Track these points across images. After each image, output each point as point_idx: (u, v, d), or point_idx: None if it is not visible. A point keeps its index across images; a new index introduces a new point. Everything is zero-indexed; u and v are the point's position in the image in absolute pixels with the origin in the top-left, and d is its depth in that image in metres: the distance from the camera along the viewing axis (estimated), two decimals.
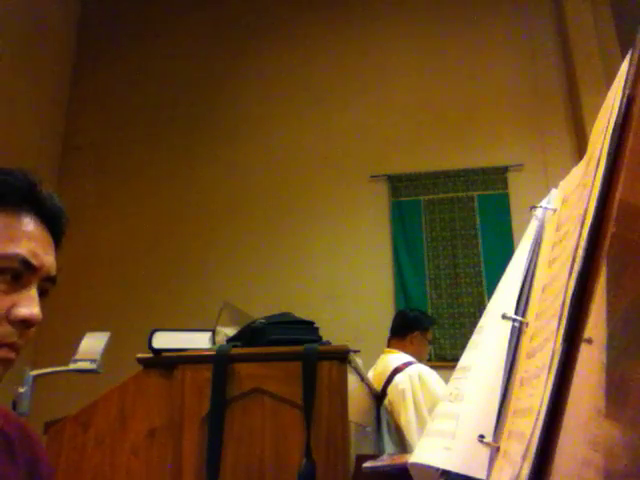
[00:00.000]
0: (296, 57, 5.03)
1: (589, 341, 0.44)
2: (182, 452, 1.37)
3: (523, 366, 0.64)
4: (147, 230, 4.72)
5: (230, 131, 4.90)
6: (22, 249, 0.64)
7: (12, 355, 0.64)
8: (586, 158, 0.65)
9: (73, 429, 1.45)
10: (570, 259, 0.55)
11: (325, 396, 1.35)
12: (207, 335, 1.60)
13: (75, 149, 5.07)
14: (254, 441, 1.36)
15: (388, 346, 2.69)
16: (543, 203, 0.79)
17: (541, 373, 0.53)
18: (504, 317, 0.71)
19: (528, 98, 4.53)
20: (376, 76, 4.83)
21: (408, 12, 4.95)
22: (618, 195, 0.47)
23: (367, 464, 1.16)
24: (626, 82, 0.53)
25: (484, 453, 0.63)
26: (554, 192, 0.79)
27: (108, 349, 1.77)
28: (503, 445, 0.61)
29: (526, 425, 0.53)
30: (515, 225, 4.15)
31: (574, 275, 0.52)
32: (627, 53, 0.55)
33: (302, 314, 1.59)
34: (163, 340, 1.48)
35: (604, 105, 0.61)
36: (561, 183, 0.79)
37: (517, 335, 0.70)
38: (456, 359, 0.78)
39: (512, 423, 0.61)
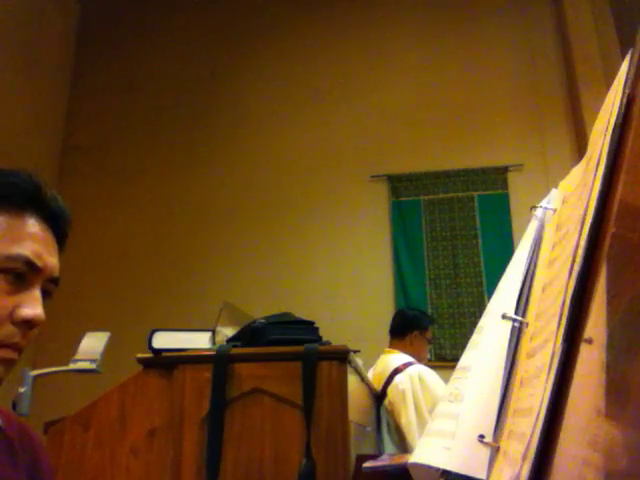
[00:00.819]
0: (296, 57, 5.03)
1: (589, 341, 0.44)
2: (182, 452, 1.37)
3: (523, 366, 0.64)
4: (147, 230, 4.72)
5: (230, 131, 4.90)
6: (26, 250, 0.64)
7: (14, 355, 0.64)
8: (586, 158, 0.65)
9: (73, 429, 1.45)
10: (570, 259, 0.55)
11: (325, 396, 1.35)
12: (207, 335, 1.60)
13: (75, 149, 5.07)
14: (254, 441, 1.36)
15: (388, 346, 2.69)
16: (543, 203, 0.79)
17: (541, 373, 0.53)
18: (504, 317, 0.71)
19: (528, 98, 4.53)
20: (376, 76, 4.83)
21: (408, 12, 4.95)
22: (618, 195, 0.47)
23: (367, 464, 1.16)
24: (626, 82, 0.53)
25: (484, 453, 0.63)
26: (554, 192, 0.79)
27: (108, 349, 1.76)
28: (503, 445, 0.61)
29: (526, 425, 0.53)
30: (515, 225, 4.15)
31: (574, 275, 0.52)
32: (627, 53, 0.55)
33: (302, 314, 1.59)
34: (163, 340, 1.48)
35: (604, 105, 0.61)
36: (561, 183, 0.79)
37: (517, 335, 0.70)
38: (456, 359, 0.78)
39: (512, 423, 0.61)
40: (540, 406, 0.50)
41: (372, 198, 4.54)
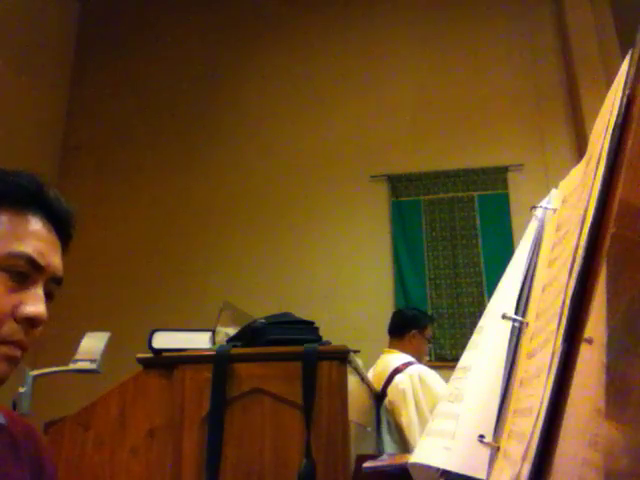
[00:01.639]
0: (296, 57, 5.03)
1: (589, 341, 0.44)
2: (182, 452, 1.37)
3: (523, 366, 0.64)
4: (147, 230, 4.72)
5: (230, 131, 4.90)
6: (28, 248, 0.64)
7: (18, 353, 0.64)
8: (586, 158, 0.65)
9: (73, 429, 1.45)
10: (570, 259, 0.55)
11: (325, 396, 1.35)
12: (207, 335, 1.60)
13: (75, 149, 5.07)
14: (254, 441, 1.36)
15: (388, 346, 2.69)
16: (543, 203, 0.79)
17: (541, 373, 0.53)
18: (504, 317, 0.71)
19: (528, 98, 4.53)
20: (376, 76, 4.83)
21: (408, 12, 4.95)
22: (618, 195, 0.47)
23: (367, 464, 1.16)
24: (626, 82, 0.53)
25: (484, 453, 0.63)
26: (554, 192, 0.79)
27: (108, 349, 1.76)
28: (503, 445, 0.61)
29: (526, 425, 0.53)
30: (515, 225, 4.15)
31: (574, 275, 0.52)
32: (627, 53, 0.55)
33: (302, 314, 1.59)
34: (163, 340, 1.48)
35: (604, 105, 0.61)
36: (561, 183, 0.79)
37: (517, 335, 0.70)
38: (456, 359, 0.78)
39: (512, 423, 0.61)
40: (540, 406, 0.50)
41: (372, 198, 4.54)
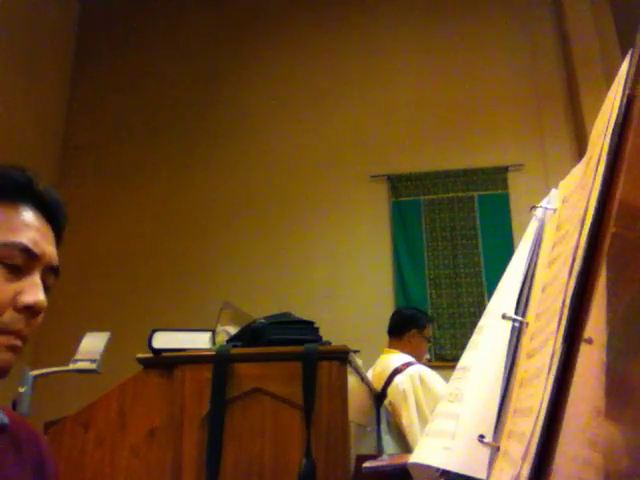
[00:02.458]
0: (296, 57, 5.03)
1: (589, 341, 0.44)
2: (182, 452, 1.37)
3: (523, 366, 0.64)
4: (147, 230, 4.72)
5: (230, 131, 4.90)
6: (22, 238, 0.66)
7: (18, 342, 0.65)
8: (586, 158, 0.65)
9: (73, 429, 1.45)
10: (570, 259, 0.55)
11: (325, 396, 1.35)
12: (207, 335, 1.60)
13: (75, 149, 5.07)
14: (254, 441, 1.36)
15: (387, 346, 2.69)
16: (543, 203, 0.79)
17: (541, 373, 0.53)
18: (504, 317, 0.71)
19: (528, 98, 4.53)
20: (376, 76, 4.83)
21: (408, 12, 4.95)
22: (618, 195, 0.47)
23: (367, 464, 1.16)
24: (626, 82, 0.53)
25: (484, 453, 0.63)
26: (554, 192, 0.79)
27: (108, 349, 1.76)
28: (503, 445, 0.61)
29: (526, 425, 0.53)
30: (515, 225, 4.14)
31: (574, 275, 0.52)
32: (627, 53, 0.55)
33: (302, 314, 1.59)
34: (163, 340, 1.48)
35: (604, 105, 0.61)
36: (561, 183, 0.79)
37: (517, 335, 0.70)
38: (456, 359, 0.78)
39: (512, 423, 0.61)
40: (540, 406, 0.50)
41: (372, 198, 4.54)
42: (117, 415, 1.44)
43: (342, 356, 1.40)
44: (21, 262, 0.65)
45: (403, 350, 2.60)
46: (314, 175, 4.65)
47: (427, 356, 2.80)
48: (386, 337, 2.75)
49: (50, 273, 0.70)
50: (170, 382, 1.44)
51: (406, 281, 4.26)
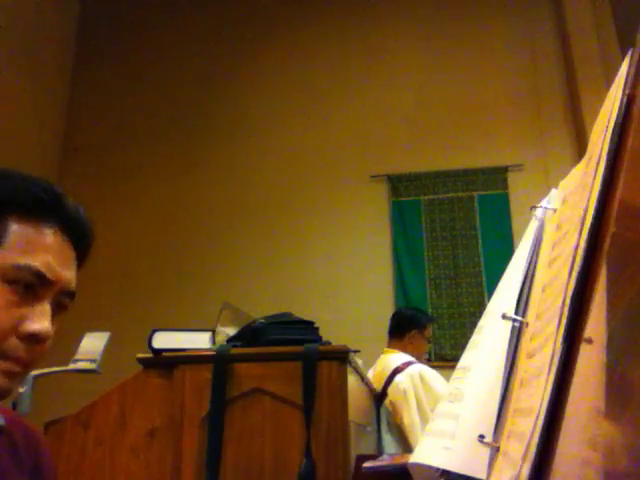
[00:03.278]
0: (296, 57, 5.03)
1: (589, 341, 0.44)
2: (182, 452, 1.37)
3: (523, 366, 0.64)
4: (147, 230, 4.72)
5: (230, 131, 4.90)
6: (36, 261, 0.62)
7: (17, 369, 0.62)
8: (586, 158, 0.65)
9: (73, 429, 1.45)
10: (570, 259, 0.55)
11: (325, 396, 1.35)
12: (207, 335, 1.60)
13: (75, 149, 5.07)
14: (254, 441, 1.36)
15: (388, 346, 2.69)
16: (543, 203, 0.79)
17: (541, 373, 0.53)
18: (504, 317, 0.71)
19: (528, 98, 4.53)
20: (376, 76, 4.83)
21: (408, 12, 4.95)
22: (618, 195, 0.47)
23: (367, 464, 1.16)
24: (626, 82, 0.53)
25: (484, 453, 0.63)
26: (554, 192, 0.79)
27: (108, 349, 1.76)
28: (503, 445, 0.61)
29: (526, 425, 0.53)
30: (515, 225, 4.15)
31: (574, 275, 0.52)
32: (627, 53, 0.55)
33: (302, 314, 1.59)
34: (163, 340, 1.48)
35: (604, 105, 0.61)
36: (561, 183, 0.79)
37: (517, 335, 0.70)
38: (456, 359, 0.78)
39: (512, 423, 0.61)
40: (540, 406, 0.50)
41: (372, 198, 4.54)
42: (117, 415, 1.44)
43: (342, 356, 1.40)
44: (32, 285, 0.61)
45: (403, 350, 2.60)
46: (314, 175, 4.65)
47: (425, 355, 2.80)
48: (386, 337, 2.75)
49: (65, 297, 0.66)
50: (170, 382, 1.44)
51: (406, 281, 4.26)
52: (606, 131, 0.54)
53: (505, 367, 0.68)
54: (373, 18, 4.99)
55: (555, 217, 0.75)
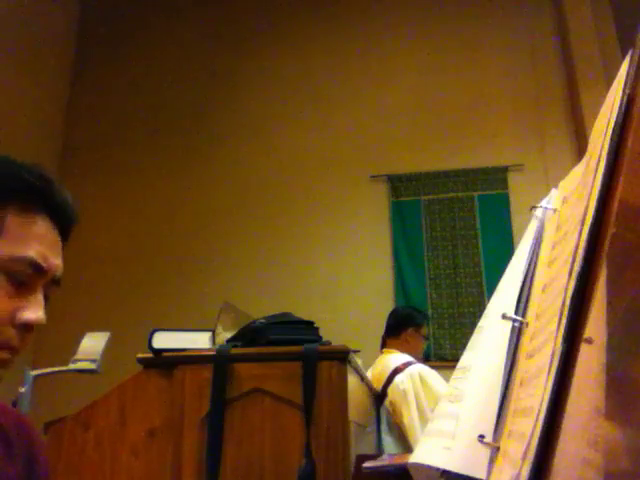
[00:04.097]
0: (296, 57, 5.03)
1: (589, 341, 0.44)
2: (182, 452, 1.37)
3: (523, 366, 0.64)
4: (147, 230, 4.72)
5: (230, 131, 4.90)
6: (32, 252, 0.62)
7: (9, 356, 0.62)
8: (586, 158, 0.65)
9: (73, 429, 1.45)
10: (570, 259, 0.55)
11: (325, 396, 1.35)
12: (207, 335, 1.60)
13: (75, 149, 5.07)
14: (254, 441, 1.36)
15: (385, 346, 2.69)
16: (543, 203, 0.79)
17: (541, 373, 0.53)
18: (504, 317, 0.71)
19: (528, 98, 4.53)
20: (376, 76, 4.83)
21: (408, 12, 4.95)
22: (618, 195, 0.47)
23: (367, 464, 1.16)
24: (626, 82, 0.53)
25: (484, 453, 0.63)
26: (554, 192, 0.79)
27: (108, 349, 1.76)
28: (503, 445, 0.61)
29: (526, 425, 0.53)
30: (515, 225, 4.14)
31: (574, 275, 0.52)
32: (627, 53, 0.55)
33: (302, 314, 1.59)
34: (163, 340, 1.48)
35: (604, 105, 0.61)
36: (561, 183, 0.79)
37: (517, 335, 0.70)
38: (456, 359, 0.78)
39: (512, 423, 0.61)
40: (540, 406, 0.50)
41: (372, 198, 4.53)
42: (117, 415, 1.44)
43: (342, 356, 1.40)
44: (27, 277, 0.62)
45: (401, 349, 2.60)
46: (314, 175, 4.65)
47: (421, 354, 2.80)
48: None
49: (52, 284, 0.67)
50: (170, 382, 1.44)
51: (406, 281, 4.26)
52: (606, 131, 0.54)
53: (505, 367, 0.68)
54: (373, 18, 4.99)
55: (555, 217, 0.75)
